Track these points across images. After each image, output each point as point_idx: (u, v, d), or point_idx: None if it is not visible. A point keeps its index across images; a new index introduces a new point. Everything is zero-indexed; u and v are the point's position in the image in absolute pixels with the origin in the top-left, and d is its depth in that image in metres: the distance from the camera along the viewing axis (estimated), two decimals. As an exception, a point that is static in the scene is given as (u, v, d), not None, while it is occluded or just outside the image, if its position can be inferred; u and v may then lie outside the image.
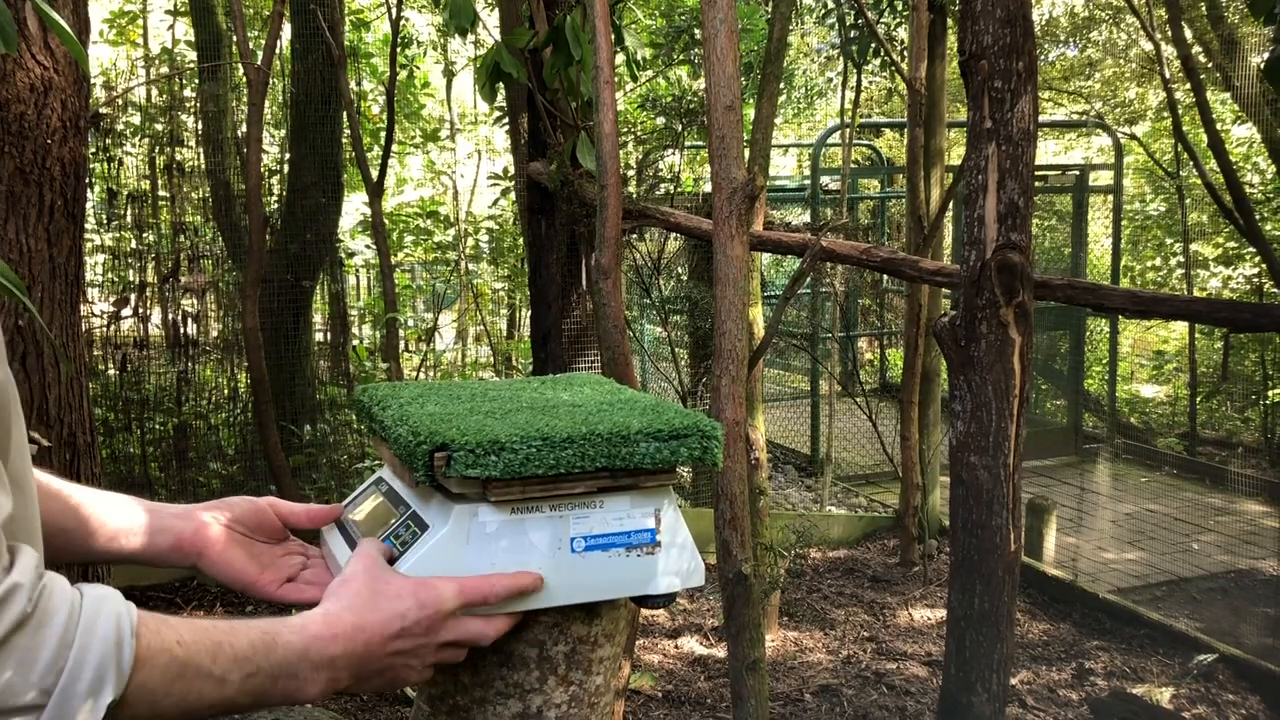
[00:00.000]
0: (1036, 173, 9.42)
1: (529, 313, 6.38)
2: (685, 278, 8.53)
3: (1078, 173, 11.14)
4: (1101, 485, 9.76)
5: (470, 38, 10.84)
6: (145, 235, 7.33)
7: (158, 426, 7.48)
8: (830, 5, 8.65)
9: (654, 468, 1.46)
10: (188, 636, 1.16)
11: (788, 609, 6.57)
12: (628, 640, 4.03)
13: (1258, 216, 7.57)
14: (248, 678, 1.19)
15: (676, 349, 8.60)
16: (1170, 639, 6.13)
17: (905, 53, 7.66)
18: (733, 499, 3.69)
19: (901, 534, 7.51)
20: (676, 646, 6.08)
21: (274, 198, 7.85)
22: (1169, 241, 14.31)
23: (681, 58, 7.58)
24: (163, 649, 1.13)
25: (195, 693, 1.15)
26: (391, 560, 1.41)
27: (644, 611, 5.57)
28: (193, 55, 8.43)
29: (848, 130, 8.99)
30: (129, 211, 7.29)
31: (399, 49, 8.55)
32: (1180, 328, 13.49)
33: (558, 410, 1.59)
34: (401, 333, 10.51)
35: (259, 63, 6.45)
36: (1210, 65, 9.58)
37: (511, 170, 8.38)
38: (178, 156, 7.41)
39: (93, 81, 7.72)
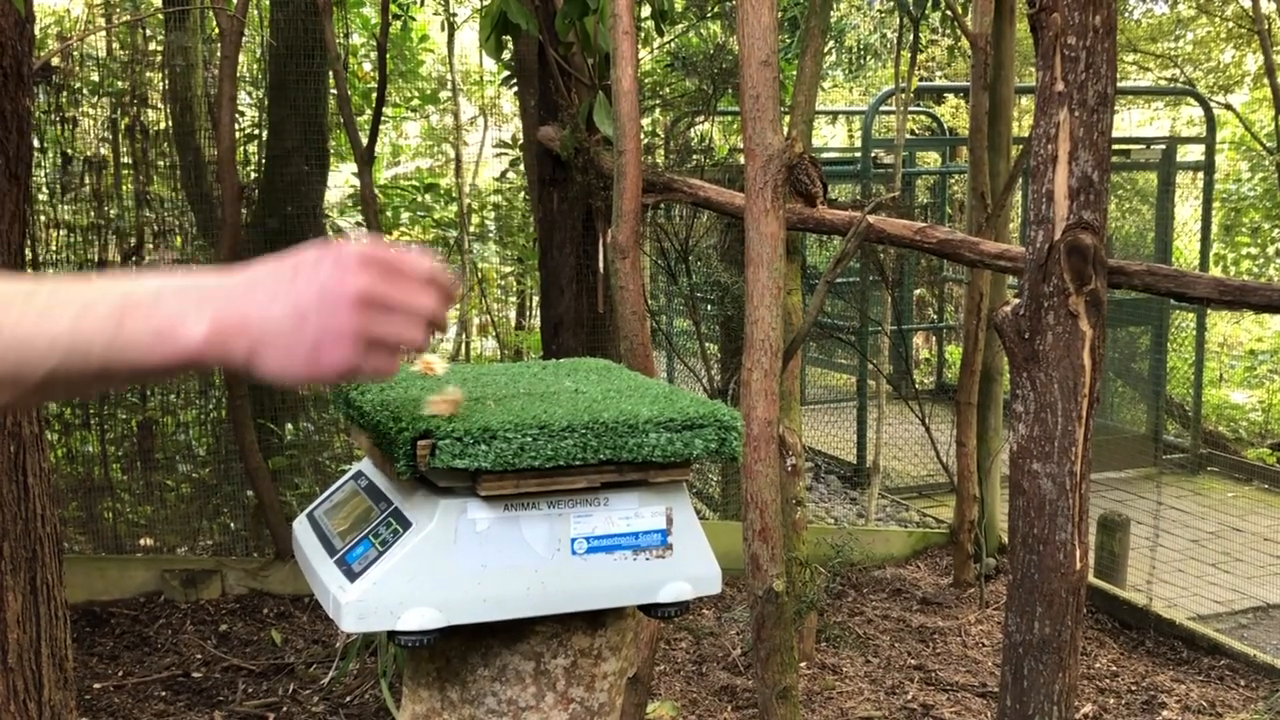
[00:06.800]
0: (1116, 146, 9.34)
1: (540, 299, 6.39)
2: (716, 261, 8.53)
3: (1164, 147, 11.08)
4: (1183, 500, 9.72)
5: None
6: (106, 207, 7.36)
7: (120, 424, 7.50)
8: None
9: (665, 461, 1.47)
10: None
11: (826, 633, 6.57)
12: (644, 660, 4.04)
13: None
14: (86, 309, 1.11)
15: (706, 343, 8.60)
16: (1255, 670, 6.13)
17: (969, 6, 7.62)
18: (763, 508, 3.70)
19: (955, 551, 7.50)
20: (701, 673, 6.09)
21: (251, 166, 7.87)
22: (1267, 226, 14.23)
23: (716, 10, 7.56)
24: None
25: (11, 330, 1.09)
26: (369, 562, 1.43)
27: (662, 629, 5.58)
28: (158, 0, 8.44)
29: (904, 95, 8.97)
30: (87, 180, 7.30)
31: (393, -3, 8.55)
32: (1277, 323, 13.42)
33: (559, 397, 1.59)
34: (395, 321, 10.50)
35: (233, 10, 6.45)
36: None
37: (520, 137, 8.39)
38: (142, 118, 7.42)
39: (43, 29, 7.75)
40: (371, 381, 1.30)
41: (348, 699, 5.61)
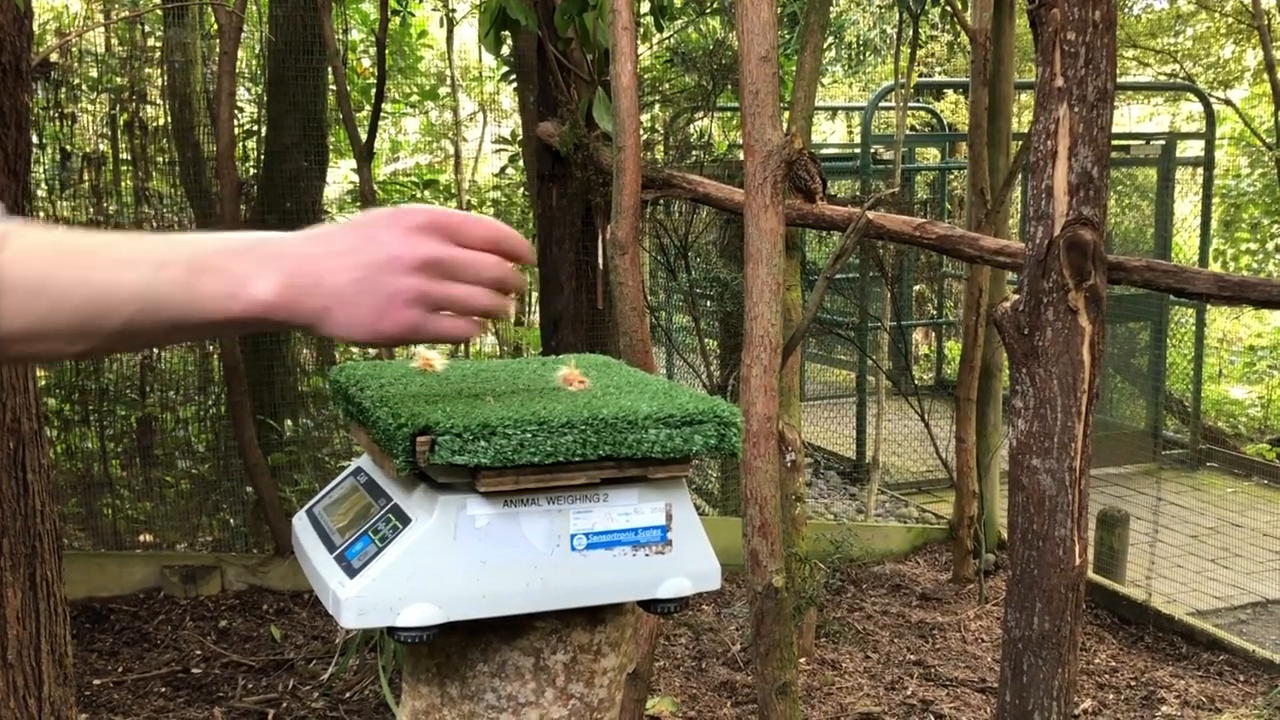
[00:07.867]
0: (1117, 142, 9.32)
1: (539, 295, 6.38)
2: (716, 257, 8.51)
3: (1163, 143, 11.07)
4: (1182, 495, 9.72)
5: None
6: (105, 203, 7.35)
7: (119, 420, 7.50)
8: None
9: (665, 457, 1.46)
10: (74, 233, 1.16)
11: (825, 628, 6.57)
12: (643, 656, 4.04)
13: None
14: (163, 264, 1.14)
15: (706, 339, 8.60)
16: (1254, 666, 6.13)
17: (968, 1, 7.61)
18: (763, 504, 3.69)
19: (955, 547, 7.50)
20: (701, 669, 6.09)
21: (250, 162, 7.85)
22: (1266, 222, 14.21)
23: (715, 5, 7.55)
24: (40, 231, 1.14)
25: (91, 280, 1.12)
26: (368, 559, 1.43)
27: (662, 625, 5.57)
28: (157, -4, 8.45)
29: (903, 91, 8.96)
30: (86, 176, 7.29)
31: (392, -7, 8.54)
32: (1276, 318, 13.42)
33: (558, 393, 1.59)
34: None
35: (232, 6, 6.44)
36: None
37: (520, 133, 8.38)
38: (140, 114, 7.41)
39: (42, 24, 7.74)
40: (447, 342, 1.32)
41: (347, 695, 5.61)
